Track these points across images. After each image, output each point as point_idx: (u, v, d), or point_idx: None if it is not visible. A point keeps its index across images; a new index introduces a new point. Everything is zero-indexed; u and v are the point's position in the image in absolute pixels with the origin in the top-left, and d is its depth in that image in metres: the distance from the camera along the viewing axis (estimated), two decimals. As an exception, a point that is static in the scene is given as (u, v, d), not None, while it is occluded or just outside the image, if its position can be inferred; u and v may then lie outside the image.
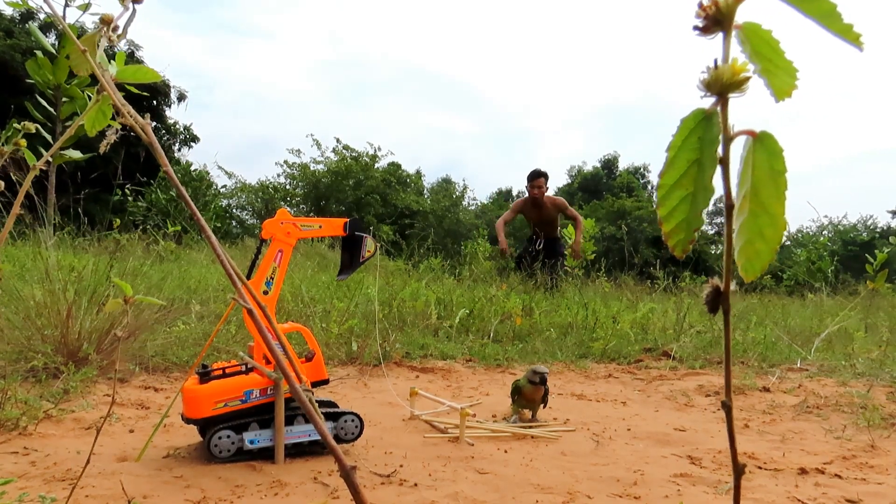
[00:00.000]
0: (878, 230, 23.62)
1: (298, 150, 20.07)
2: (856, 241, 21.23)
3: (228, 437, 1.43)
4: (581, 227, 5.83)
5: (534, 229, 5.95)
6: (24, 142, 0.77)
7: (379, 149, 20.53)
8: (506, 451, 1.62)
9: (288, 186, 20.36)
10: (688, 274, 5.50)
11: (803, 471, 1.51)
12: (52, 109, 4.66)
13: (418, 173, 23.07)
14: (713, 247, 20.29)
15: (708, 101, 0.38)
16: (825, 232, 22.40)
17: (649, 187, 30.56)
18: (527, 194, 5.89)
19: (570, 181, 31.13)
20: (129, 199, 9.76)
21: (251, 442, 1.45)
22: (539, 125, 61.12)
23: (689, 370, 2.82)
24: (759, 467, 1.55)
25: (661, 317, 3.83)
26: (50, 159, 0.69)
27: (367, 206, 19.17)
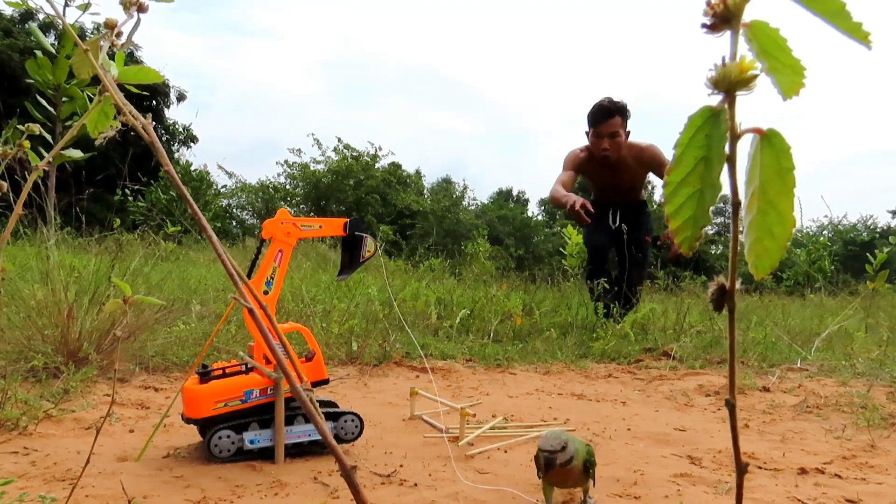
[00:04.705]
0: (878, 230, 23.62)
1: (299, 150, 20.12)
2: (856, 241, 21.23)
3: (228, 437, 1.43)
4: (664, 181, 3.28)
5: (603, 194, 3.66)
6: (27, 143, 0.78)
7: (380, 148, 20.57)
8: (506, 452, 1.62)
9: (288, 186, 20.39)
10: (688, 274, 5.49)
11: (803, 471, 1.51)
12: (52, 109, 4.66)
13: (418, 173, 23.12)
14: (713, 246, 20.29)
15: (714, 99, 0.39)
16: (825, 232, 22.39)
17: (649, 187, 30.54)
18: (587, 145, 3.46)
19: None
20: (130, 199, 9.78)
21: (251, 442, 1.45)
22: (539, 125, 61.17)
23: (689, 370, 2.82)
24: (759, 467, 1.55)
25: (661, 317, 3.83)
26: (50, 159, 0.69)
27: (367, 206, 19.20)
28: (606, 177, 3.52)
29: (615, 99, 3.37)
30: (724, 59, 0.37)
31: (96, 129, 0.65)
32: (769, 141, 0.39)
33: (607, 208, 3.60)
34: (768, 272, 0.40)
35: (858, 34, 0.37)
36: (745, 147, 0.39)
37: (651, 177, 3.76)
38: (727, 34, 0.37)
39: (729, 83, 0.37)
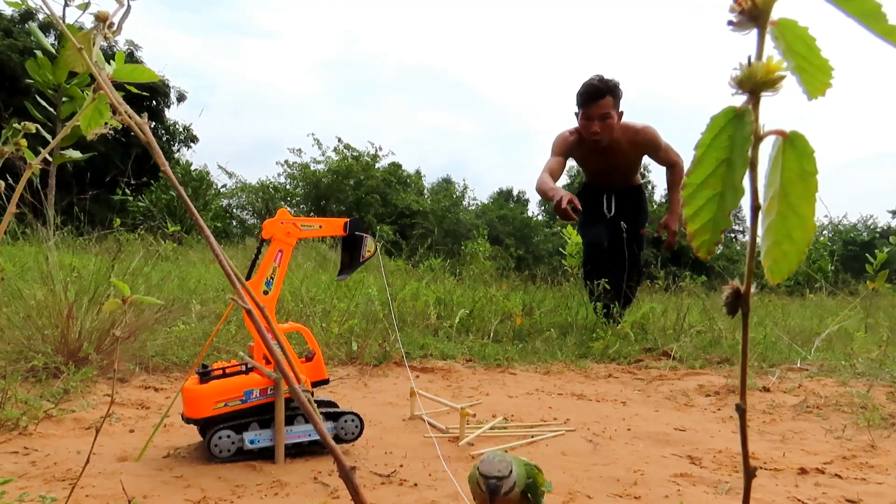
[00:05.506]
0: (878, 230, 23.63)
1: (299, 150, 20.13)
2: (856, 241, 21.23)
3: (228, 437, 1.43)
4: (682, 182, 2.52)
5: (596, 178, 3.43)
6: (24, 142, 0.78)
7: (380, 148, 20.59)
8: (506, 451, 1.62)
9: (288, 186, 20.41)
10: (688, 274, 5.49)
11: (803, 471, 1.51)
12: (52, 109, 4.66)
13: (418, 173, 23.15)
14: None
15: (738, 100, 0.38)
16: (825, 232, 22.39)
17: (649, 187, 30.57)
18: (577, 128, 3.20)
19: (569, 181, 31.23)
20: (130, 199, 9.78)
21: (251, 442, 1.45)
22: (539, 125, 61.21)
23: (689, 370, 2.82)
24: (760, 467, 1.55)
25: (660, 317, 3.83)
26: (49, 158, 0.69)
27: (367, 206, 19.21)
28: (598, 161, 3.25)
29: (606, 77, 3.08)
30: (749, 58, 0.36)
31: (90, 127, 0.65)
32: (792, 143, 0.37)
33: (601, 193, 3.36)
34: (785, 277, 0.39)
35: (893, 37, 0.35)
36: (764, 149, 0.38)
37: (645, 159, 3.58)
38: (753, 32, 0.36)
39: (754, 83, 0.36)
